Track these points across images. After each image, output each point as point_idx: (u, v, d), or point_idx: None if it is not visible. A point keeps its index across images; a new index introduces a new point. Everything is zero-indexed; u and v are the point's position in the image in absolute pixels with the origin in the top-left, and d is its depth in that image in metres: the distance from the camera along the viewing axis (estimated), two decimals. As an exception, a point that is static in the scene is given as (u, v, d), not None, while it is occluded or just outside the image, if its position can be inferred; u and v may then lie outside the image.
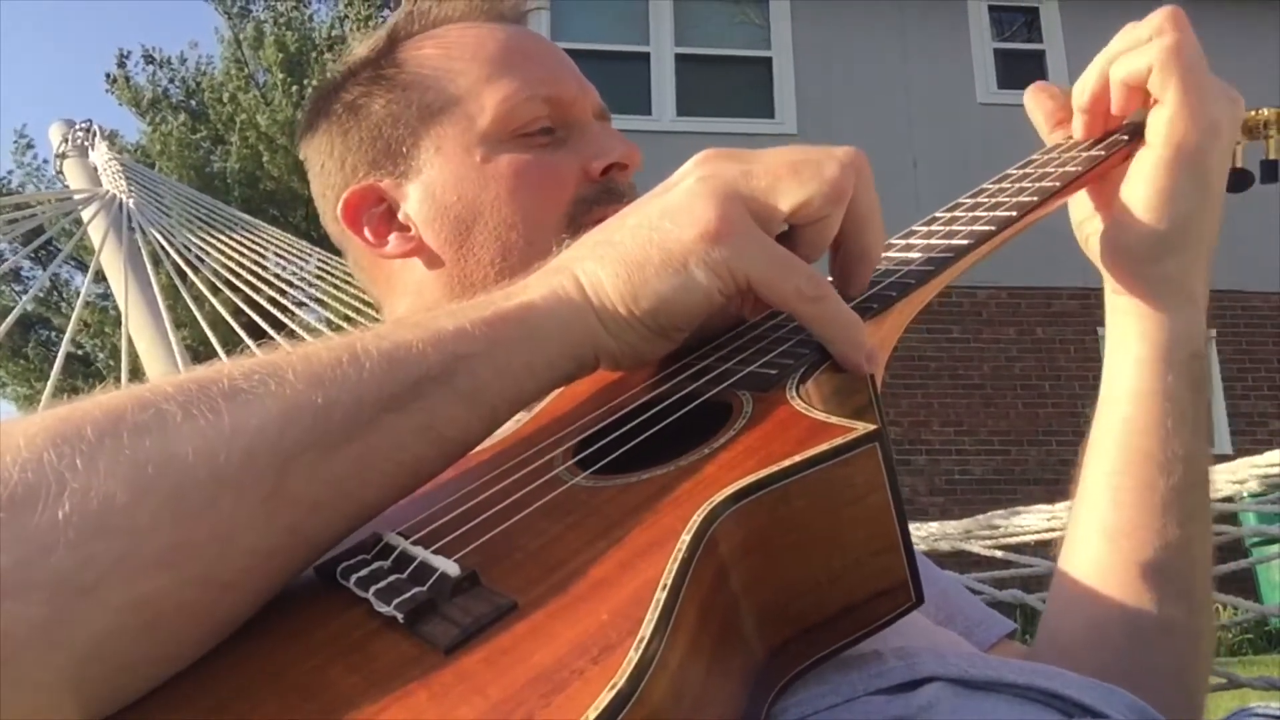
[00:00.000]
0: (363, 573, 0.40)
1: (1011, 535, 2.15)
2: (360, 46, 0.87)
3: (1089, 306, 7.63)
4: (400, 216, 0.80)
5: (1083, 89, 0.70)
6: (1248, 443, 7.55)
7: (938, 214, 0.66)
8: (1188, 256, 0.68)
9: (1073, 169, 0.67)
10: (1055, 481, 7.24)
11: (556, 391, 0.55)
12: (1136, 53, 0.66)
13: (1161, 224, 0.66)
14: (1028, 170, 0.69)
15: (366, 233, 0.81)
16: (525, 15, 0.87)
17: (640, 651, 0.31)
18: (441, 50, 0.81)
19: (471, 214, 0.77)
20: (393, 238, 0.80)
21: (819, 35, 8.27)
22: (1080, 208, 0.73)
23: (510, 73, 0.78)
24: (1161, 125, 0.65)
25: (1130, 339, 0.70)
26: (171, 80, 15.07)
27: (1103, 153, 0.68)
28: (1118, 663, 0.64)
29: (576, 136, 0.79)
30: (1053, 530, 2.06)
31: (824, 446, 0.40)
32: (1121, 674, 0.57)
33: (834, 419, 0.43)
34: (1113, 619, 0.67)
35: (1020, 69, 8.44)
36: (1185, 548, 0.67)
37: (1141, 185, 0.66)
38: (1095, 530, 0.69)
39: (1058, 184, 0.65)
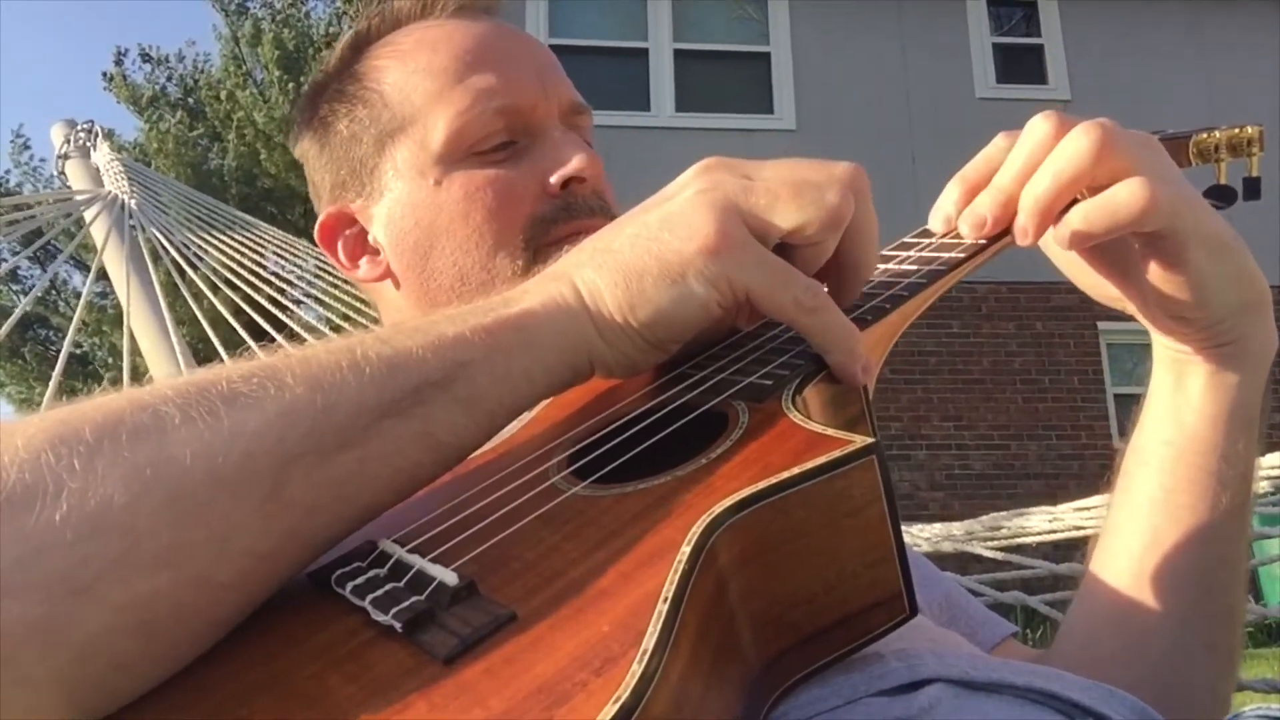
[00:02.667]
0: (359, 580, 0.40)
1: (1014, 536, 2.16)
2: (334, 51, 0.85)
3: (1088, 301, 7.58)
4: (370, 239, 0.80)
5: (1040, 206, 0.58)
6: (1247, 436, 7.55)
7: (931, 227, 0.66)
8: (1259, 278, 0.63)
9: None
10: (1055, 476, 7.24)
11: (550, 400, 0.54)
12: (1114, 209, 0.57)
13: (1234, 283, 0.61)
14: None
15: (341, 256, 0.82)
16: (494, 5, 0.84)
17: (644, 664, 0.31)
18: (396, 61, 0.79)
19: (428, 240, 0.76)
20: (364, 262, 0.81)
21: (818, 30, 8.27)
22: (1107, 292, 0.68)
23: (462, 85, 0.76)
24: (1184, 244, 0.59)
25: (1218, 365, 0.65)
26: (169, 78, 15.03)
27: None
28: (1156, 677, 0.64)
29: (539, 145, 0.77)
30: (1054, 532, 2.07)
31: (823, 459, 0.40)
32: (1159, 688, 0.57)
33: (831, 431, 0.43)
34: (1156, 633, 0.66)
35: (1019, 63, 8.45)
36: (1233, 564, 0.66)
37: (1192, 284, 0.60)
38: (1144, 541, 0.67)
39: None
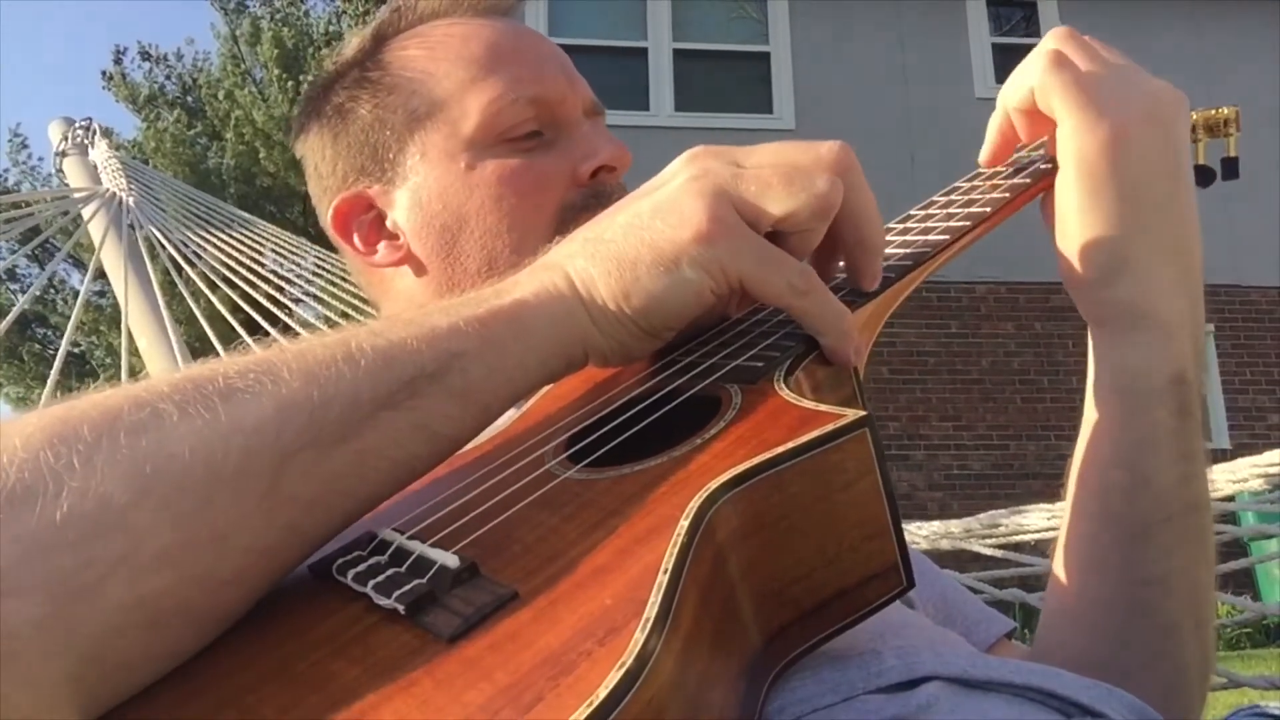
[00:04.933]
0: (360, 568, 0.40)
1: (1012, 534, 2.16)
2: (349, 45, 0.86)
3: (1087, 301, 7.63)
4: (389, 224, 0.80)
5: (991, 127, 0.68)
6: (1245, 437, 7.57)
7: (913, 211, 0.67)
8: (1141, 276, 0.62)
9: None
10: (1054, 476, 7.20)
11: (545, 388, 0.55)
12: (1020, 76, 0.63)
13: (1091, 246, 0.62)
14: (998, 170, 0.70)
15: (356, 241, 0.81)
16: (515, 7, 0.86)
17: (646, 632, 0.32)
18: (426, 51, 0.80)
19: (457, 223, 0.76)
20: (382, 246, 0.80)
21: (817, 30, 8.27)
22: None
23: (494, 74, 0.77)
24: (1063, 143, 0.61)
25: (1101, 368, 0.66)
26: (168, 77, 15.04)
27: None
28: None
29: (565, 137, 0.78)
30: (1053, 529, 2.07)
31: (817, 432, 0.41)
32: None
33: (824, 407, 0.44)
34: (1092, 652, 0.64)
35: (1018, 64, 8.44)
36: (1167, 579, 0.63)
37: (1062, 211, 0.62)
38: (1074, 561, 0.66)
39: (1029, 180, 0.66)
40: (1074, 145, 0.61)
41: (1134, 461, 0.63)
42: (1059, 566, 0.67)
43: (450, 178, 0.77)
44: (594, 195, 0.76)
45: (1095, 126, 0.61)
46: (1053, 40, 0.63)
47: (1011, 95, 0.64)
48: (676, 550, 0.35)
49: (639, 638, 0.32)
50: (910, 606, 0.69)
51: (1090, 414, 0.66)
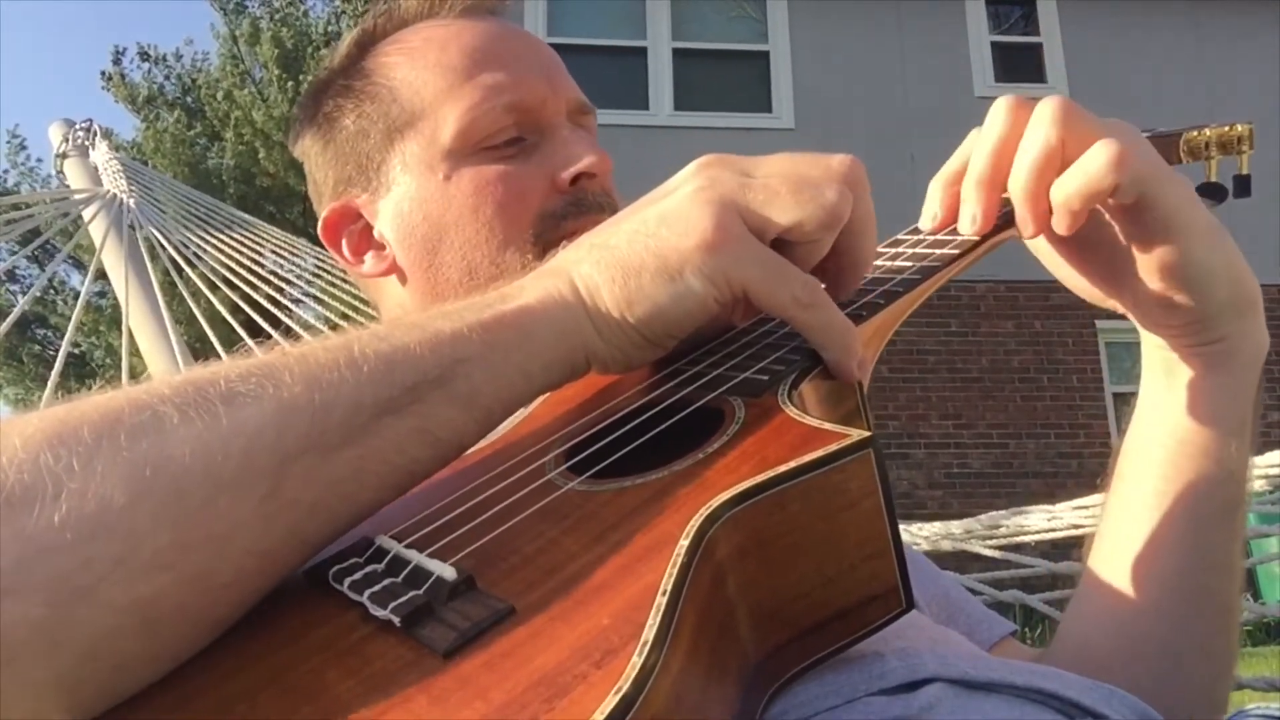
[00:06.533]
0: (356, 576, 0.40)
1: (1012, 535, 2.17)
2: (339, 49, 0.85)
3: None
4: (376, 234, 0.80)
5: (982, 199, 0.60)
6: (1246, 435, 7.56)
7: (921, 226, 0.66)
8: (1249, 278, 0.63)
9: None
10: (1053, 475, 7.24)
11: (546, 395, 0.54)
12: (1085, 173, 0.56)
13: (1231, 269, 0.61)
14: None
15: (345, 251, 0.82)
16: (501, 5, 0.85)
17: (643, 656, 0.32)
18: (404, 58, 0.80)
19: (437, 234, 0.76)
20: (369, 257, 0.81)
21: (816, 29, 8.27)
22: (1095, 291, 0.67)
23: (472, 81, 0.76)
24: (1171, 218, 0.58)
25: (1225, 368, 0.64)
26: (167, 77, 15.02)
27: None
28: (1152, 680, 0.63)
29: (547, 142, 0.77)
30: (1053, 530, 2.08)
31: (820, 452, 0.40)
32: (1155, 691, 0.57)
33: (828, 425, 0.43)
34: (1150, 637, 0.65)
35: (1018, 62, 8.44)
36: (1228, 566, 0.65)
37: (1196, 267, 0.60)
38: (1137, 544, 0.66)
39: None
40: (1188, 214, 0.59)
41: (1225, 452, 0.65)
42: (1119, 556, 0.67)
43: (429, 189, 0.76)
44: (574, 203, 0.75)
45: (1184, 194, 0.59)
46: (1079, 120, 0.57)
47: (1080, 189, 0.56)
48: (676, 571, 0.35)
49: (636, 661, 0.31)
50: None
51: (1179, 410, 0.65)
